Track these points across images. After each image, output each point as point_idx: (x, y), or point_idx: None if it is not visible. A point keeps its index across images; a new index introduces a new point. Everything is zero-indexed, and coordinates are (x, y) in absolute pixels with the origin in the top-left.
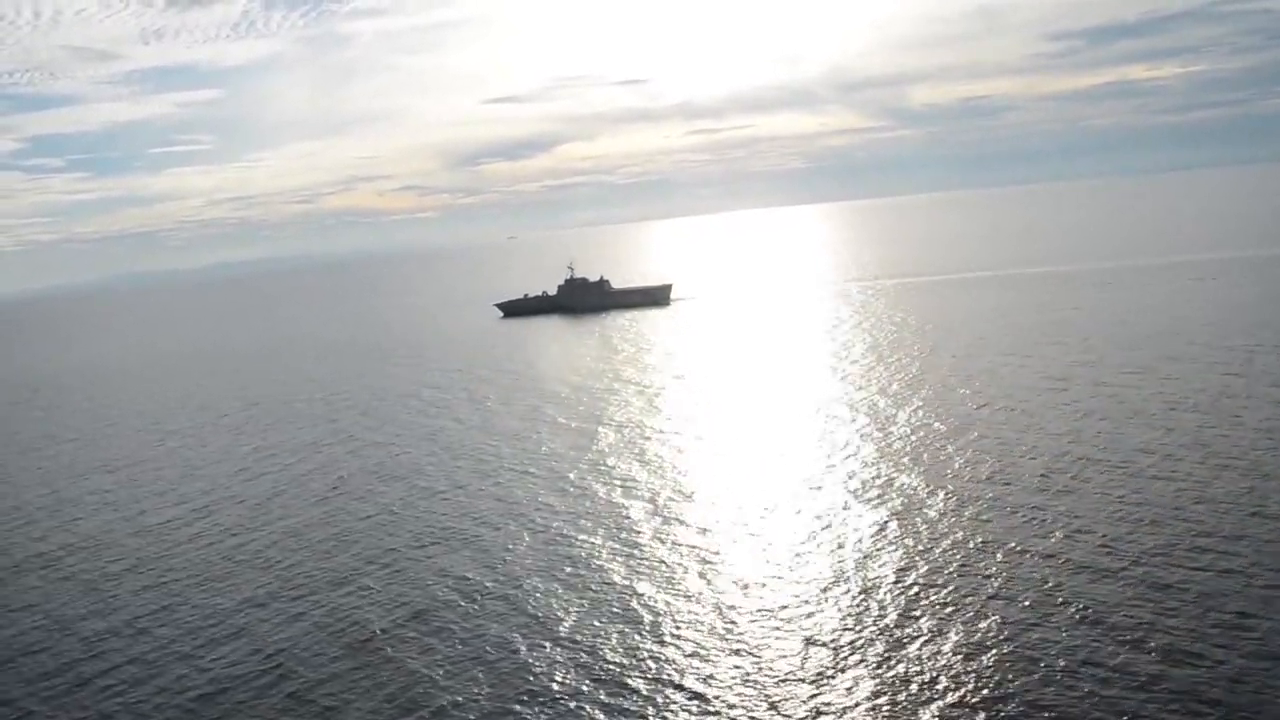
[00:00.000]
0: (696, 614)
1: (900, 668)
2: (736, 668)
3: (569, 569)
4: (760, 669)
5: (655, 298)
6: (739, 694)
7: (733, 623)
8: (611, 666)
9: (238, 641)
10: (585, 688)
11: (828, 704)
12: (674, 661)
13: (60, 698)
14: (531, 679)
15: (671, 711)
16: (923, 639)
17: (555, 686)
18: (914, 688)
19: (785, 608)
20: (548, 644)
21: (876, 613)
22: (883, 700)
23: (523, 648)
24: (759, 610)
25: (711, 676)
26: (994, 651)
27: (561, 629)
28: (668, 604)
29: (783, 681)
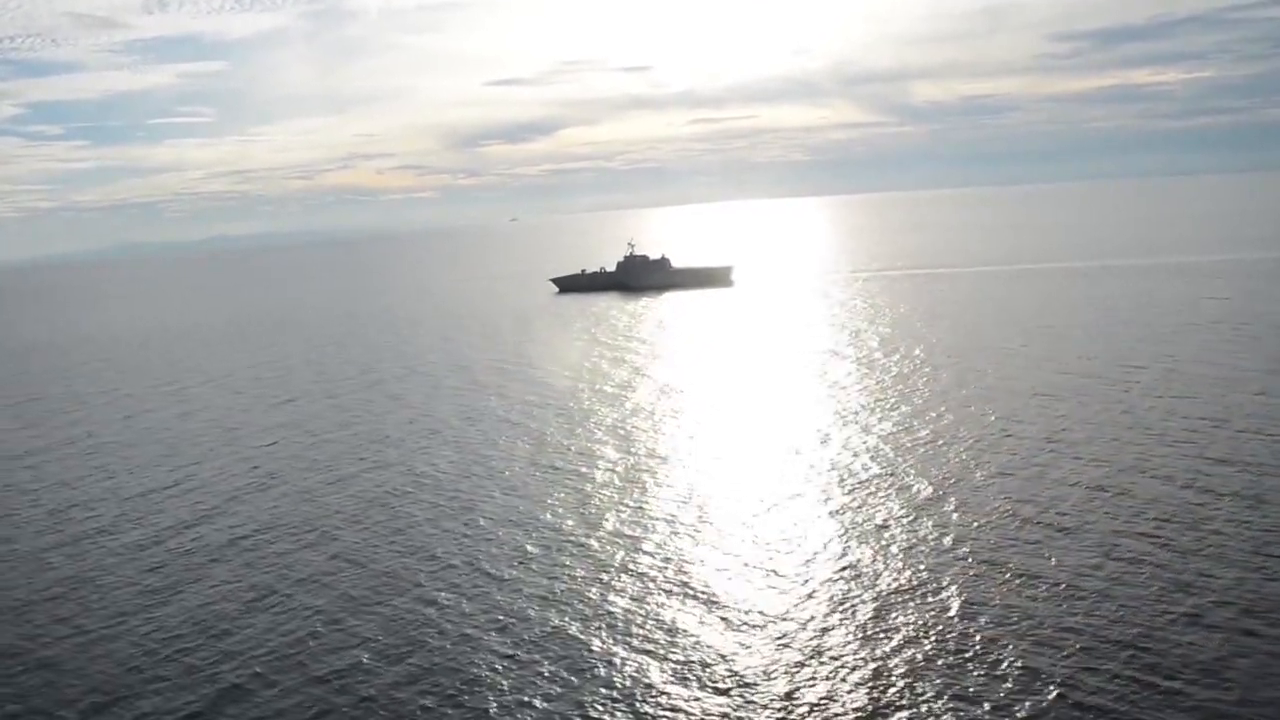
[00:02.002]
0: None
1: (910, 663)
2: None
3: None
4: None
5: (717, 278)
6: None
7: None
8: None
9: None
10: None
11: (835, 701)
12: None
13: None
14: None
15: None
16: (934, 638)
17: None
18: (921, 687)
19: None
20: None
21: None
22: (889, 695)
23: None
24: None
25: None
26: (1001, 645)
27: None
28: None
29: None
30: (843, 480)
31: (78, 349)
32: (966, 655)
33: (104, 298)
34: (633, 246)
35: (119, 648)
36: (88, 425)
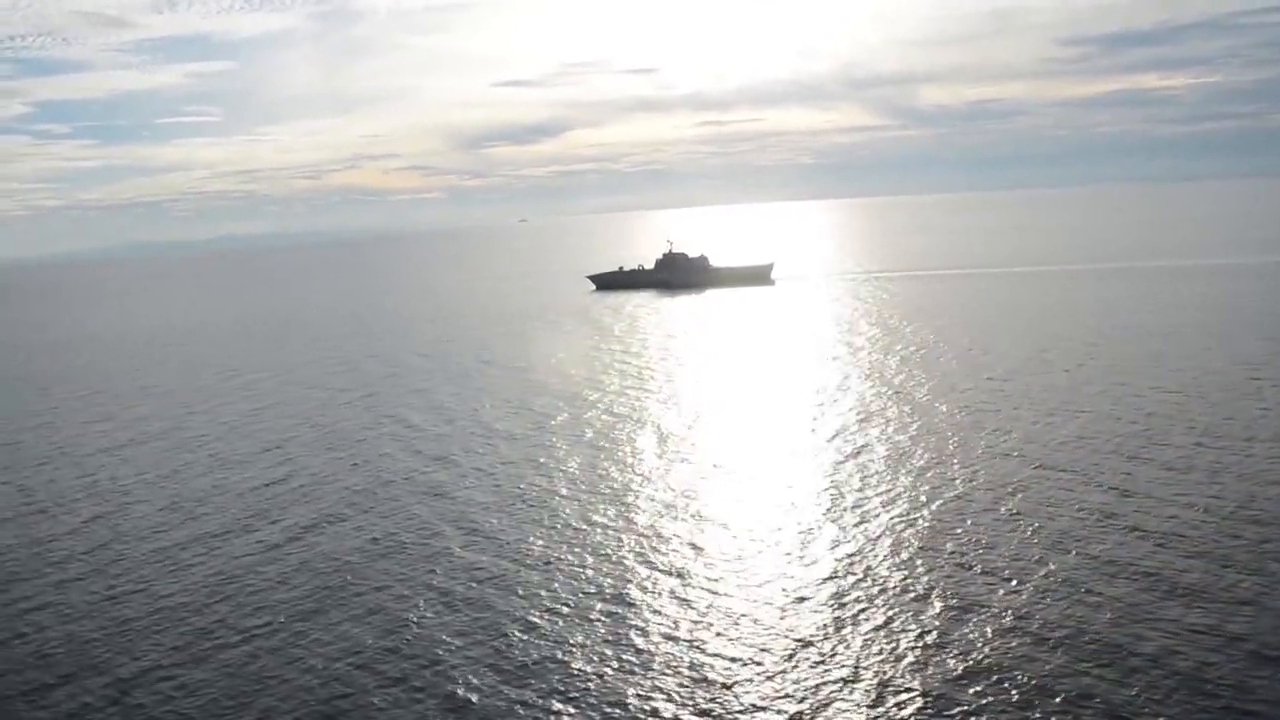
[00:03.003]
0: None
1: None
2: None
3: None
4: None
5: (758, 276)
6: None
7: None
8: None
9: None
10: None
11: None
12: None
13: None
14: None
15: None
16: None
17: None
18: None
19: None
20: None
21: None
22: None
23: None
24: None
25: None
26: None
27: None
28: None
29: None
30: (887, 481)
31: (116, 342)
32: (977, 659)
33: (124, 295)
34: (671, 244)
35: (293, 651)
36: (166, 419)
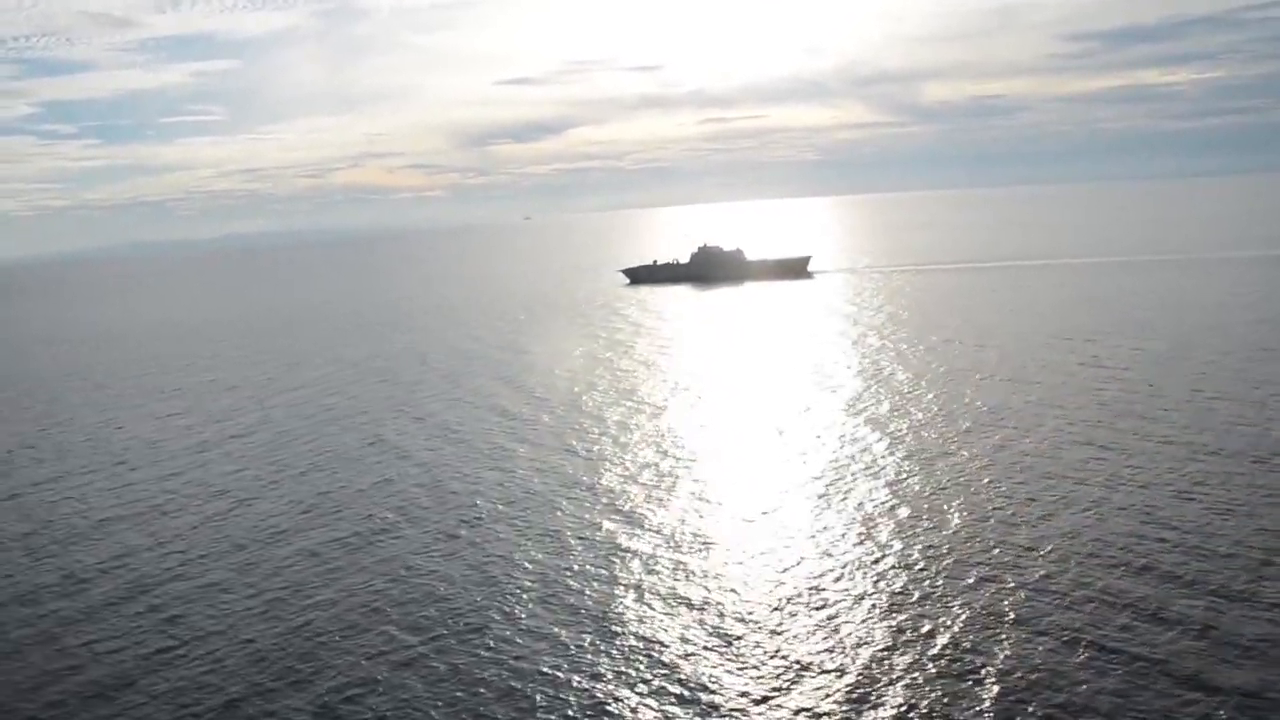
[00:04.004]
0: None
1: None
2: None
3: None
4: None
5: (794, 269)
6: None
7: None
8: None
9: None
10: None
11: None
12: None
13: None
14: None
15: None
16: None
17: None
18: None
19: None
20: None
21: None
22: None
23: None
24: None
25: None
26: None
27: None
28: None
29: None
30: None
31: (137, 338)
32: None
33: (148, 291)
34: (703, 240)
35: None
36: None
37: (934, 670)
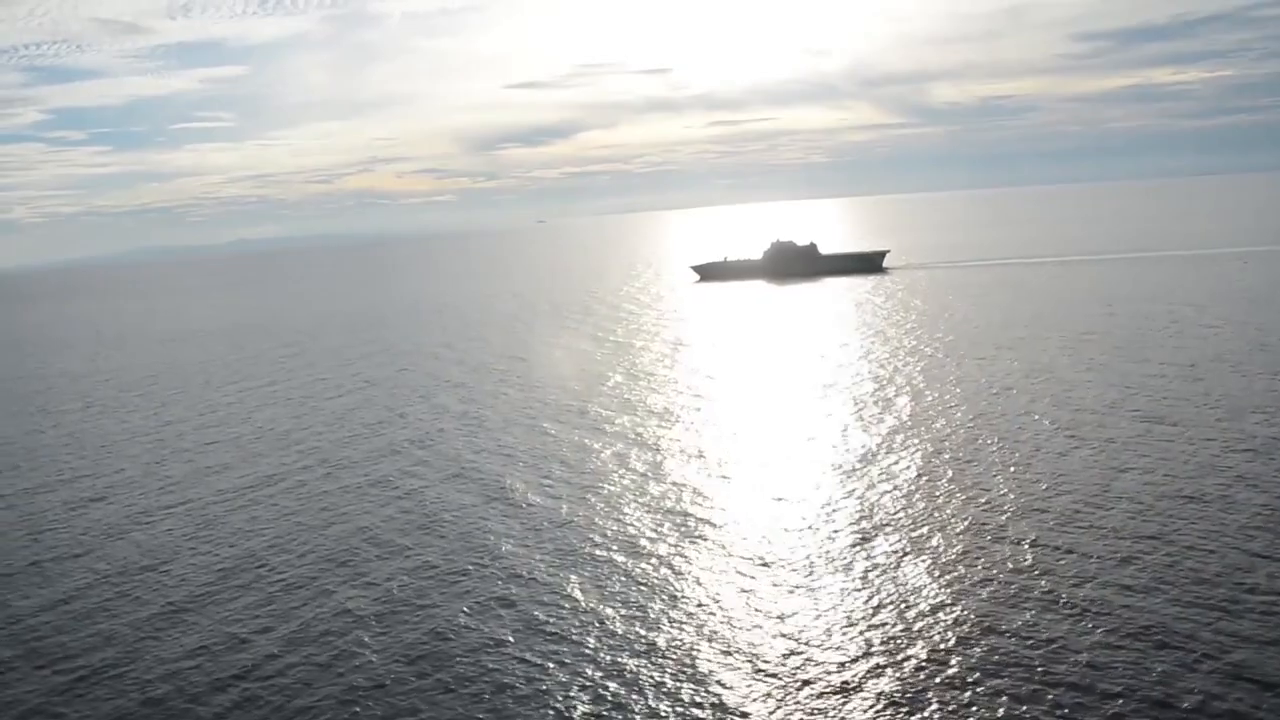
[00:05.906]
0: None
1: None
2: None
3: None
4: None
5: (870, 263)
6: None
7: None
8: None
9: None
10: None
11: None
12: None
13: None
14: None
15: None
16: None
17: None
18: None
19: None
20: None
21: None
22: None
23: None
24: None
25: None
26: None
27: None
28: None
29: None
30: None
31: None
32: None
33: (177, 295)
34: (776, 236)
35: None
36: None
37: (960, 671)
